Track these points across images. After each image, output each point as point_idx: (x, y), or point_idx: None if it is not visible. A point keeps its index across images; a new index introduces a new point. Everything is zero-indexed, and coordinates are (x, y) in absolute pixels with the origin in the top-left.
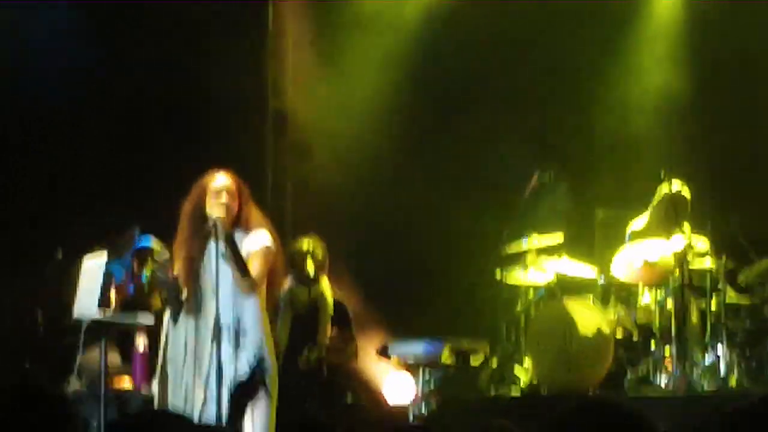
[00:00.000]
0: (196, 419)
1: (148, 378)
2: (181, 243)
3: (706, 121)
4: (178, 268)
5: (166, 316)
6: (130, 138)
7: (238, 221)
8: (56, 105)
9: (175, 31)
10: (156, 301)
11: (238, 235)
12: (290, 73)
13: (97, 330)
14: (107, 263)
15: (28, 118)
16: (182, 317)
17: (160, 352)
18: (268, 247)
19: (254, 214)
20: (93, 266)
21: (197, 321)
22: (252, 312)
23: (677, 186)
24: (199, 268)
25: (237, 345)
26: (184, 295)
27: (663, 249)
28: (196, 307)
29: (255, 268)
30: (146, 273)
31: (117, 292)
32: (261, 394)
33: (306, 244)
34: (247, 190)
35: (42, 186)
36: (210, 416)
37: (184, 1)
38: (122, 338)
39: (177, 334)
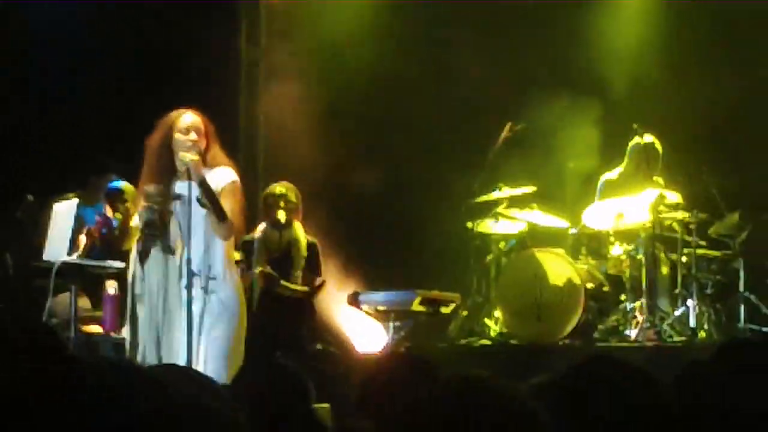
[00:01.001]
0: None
1: (118, 323)
2: (147, 180)
3: (680, 74)
4: (141, 206)
5: (133, 255)
6: (105, 85)
7: (204, 160)
8: (39, 55)
9: None
10: (128, 242)
11: (205, 172)
12: (265, 19)
13: (68, 274)
14: (78, 208)
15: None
16: (152, 257)
17: (129, 292)
18: (234, 182)
19: (219, 152)
20: (64, 210)
21: (167, 262)
22: (222, 253)
23: (649, 138)
24: (168, 207)
25: (207, 289)
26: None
27: (635, 201)
28: (164, 247)
29: (227, 206)
30: (117, 217)
31: (87, 237)
32: (227, 335)
33: (278, 188)
34: (213, 128)
35: (12, 132)
36: (181, 360)
37: None
38: (92, 284)
39: (147, 274)
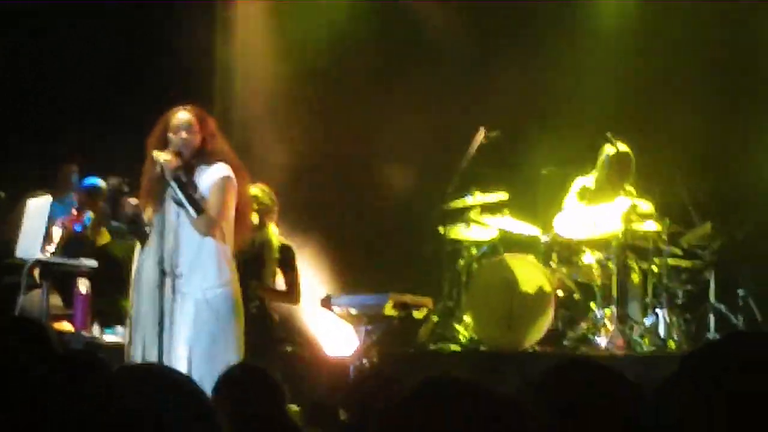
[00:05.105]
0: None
1: (89, 321)
2: (143, 180)
3: (654, 84)
4: (142, 205)
5: (137, 250)
6: (82, 81)
7: (199, 155)
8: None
9: None
10: (99, 239)
11: (201, 169)
12: (239, 23)
13: (40, 271)
14: (51, 205)
15: None
16: (145, 254)
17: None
18: (224, 178)
19: (217, 147)
20: (38, 207)
21: (153, 260)
22: (212, 254)
23: (622, 147)
24: (159, 207)
25: (197, 290)
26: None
27: (607, 210)
28: (153, 245)
29: (210, 202)
30: (90, 214)
31: (63, 229)
32: (214, 337)
33: (250, 190)
34: (213, 122)
35: None
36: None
37: None
38: (63, 282)
39: (140, 271)
